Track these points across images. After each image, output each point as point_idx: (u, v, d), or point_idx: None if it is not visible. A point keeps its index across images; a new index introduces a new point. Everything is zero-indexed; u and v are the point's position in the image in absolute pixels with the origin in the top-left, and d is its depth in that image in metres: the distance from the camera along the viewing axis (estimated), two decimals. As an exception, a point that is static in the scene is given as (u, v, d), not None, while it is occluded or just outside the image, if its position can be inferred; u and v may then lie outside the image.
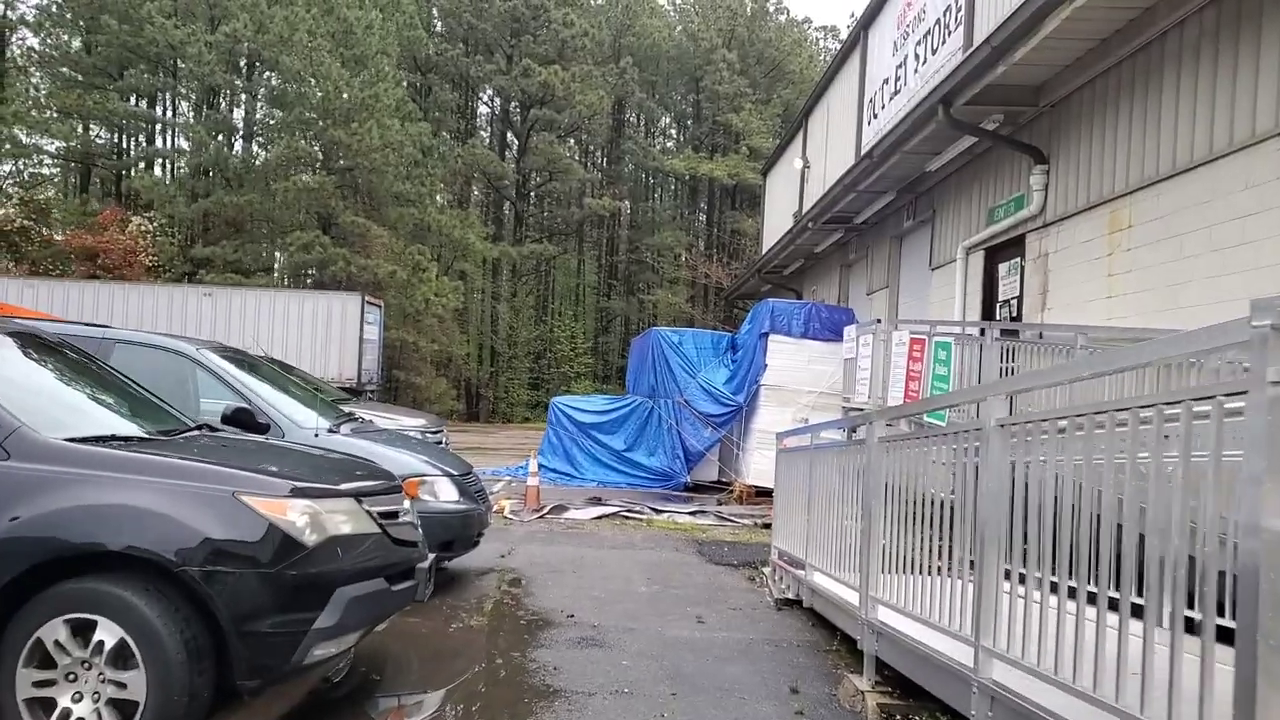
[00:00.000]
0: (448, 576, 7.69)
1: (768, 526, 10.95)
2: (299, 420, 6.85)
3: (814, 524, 6.55)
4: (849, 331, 13.25)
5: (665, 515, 11.45)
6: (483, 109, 48.90)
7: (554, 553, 8.97)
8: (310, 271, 34.53)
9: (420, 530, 5.01)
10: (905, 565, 4.67)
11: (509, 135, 45.69)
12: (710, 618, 6.65)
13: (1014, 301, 12.02)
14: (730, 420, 14.86)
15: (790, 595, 7.05)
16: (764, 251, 28.28)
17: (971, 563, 3.85)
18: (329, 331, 28.79)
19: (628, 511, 11.40)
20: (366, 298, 29.72)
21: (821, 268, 23.45)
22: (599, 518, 11.12)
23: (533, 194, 45.75)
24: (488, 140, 46.45)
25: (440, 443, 11.07)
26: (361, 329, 28.97)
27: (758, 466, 14.28)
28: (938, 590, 4.13)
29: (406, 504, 4.86)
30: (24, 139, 33.92)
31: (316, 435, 6.68)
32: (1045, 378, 3.14)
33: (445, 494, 6.97)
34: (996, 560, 3.63)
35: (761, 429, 14.34)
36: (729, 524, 11.26)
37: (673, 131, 53.15)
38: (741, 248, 44.46)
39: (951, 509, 4.17)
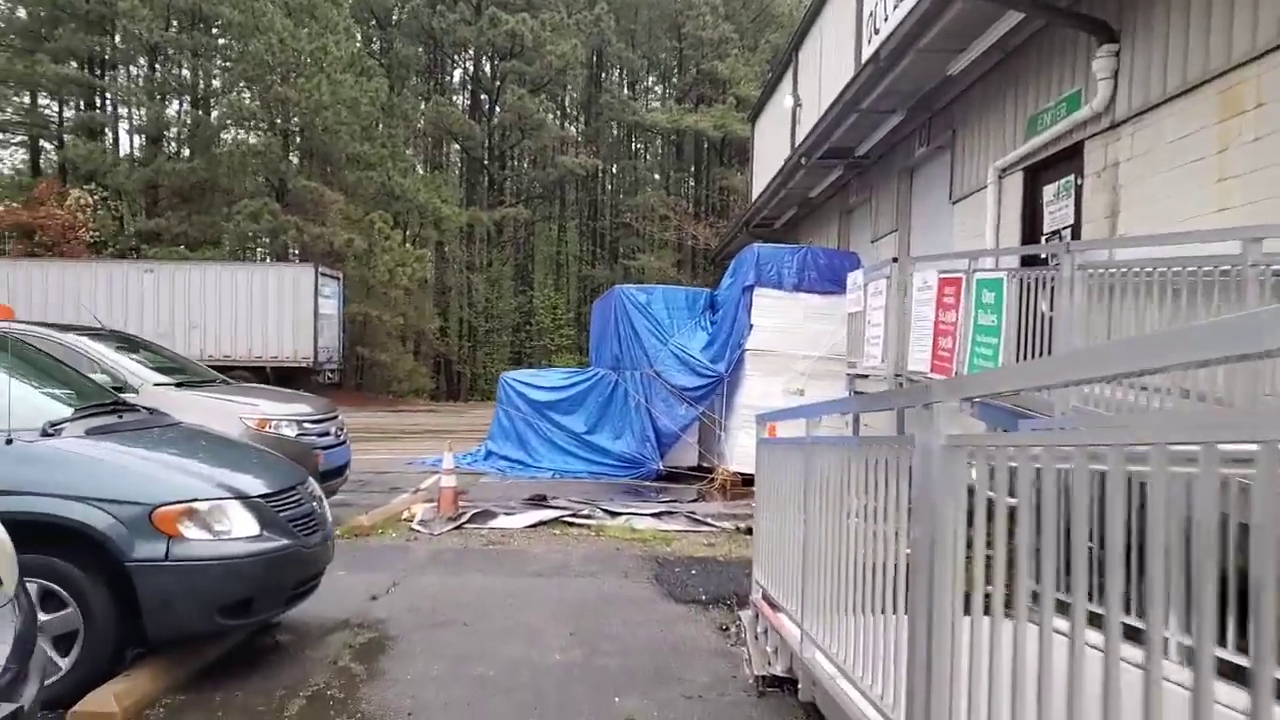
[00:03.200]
0: (269, 642, 5.17)
1: (750, 532, 8.44)
2: (-9, 419, 4.29)
3: (814, 566, 4.01)
4: (854, 279, 10.67)
5: (623, 518, 8.92)
6: (457, 71, 45.90)
7: (453, 587, 6.44)
8: (263, 241, 31.82)
9: (30, 643, 2.48)
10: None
11: (481, 95, 42.74)
12: None
13: (1067, 232, 9.43)
14: (709, 394, 12.31)
15: (778, 670, 4.52)
16: (749, 206, 25.68)
17: None
18: (280, 307, 26.23)
19: (574, 515, 8.87)
20: (321, 269, 27.11)
21: (818, 216, 20.83)
22: (534, 525, 8.59)
23: (506, 154, 42.83)
24: (463, 102, 43.49)
25: (326, 433, 8.54)
26: (316, 303, 26.40)
27: (743, 449, 11.74)
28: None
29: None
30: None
31: (10, 442, 4.13)
32: None
33: (237, 526, 4.42)
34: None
35: (747, 404, 11.79)
36: (703, 529, 8.74)
37: (657, 89, 50.14)
38: (731, 206, 41.68)
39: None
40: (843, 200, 18.74)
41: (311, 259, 28.00)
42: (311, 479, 5.50)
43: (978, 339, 7.26)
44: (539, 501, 9.57)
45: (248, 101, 28.83)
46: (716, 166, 44.79)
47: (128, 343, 8.58)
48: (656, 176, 47.55)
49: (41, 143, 34.21)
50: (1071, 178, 9.49)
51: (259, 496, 4.60)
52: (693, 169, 47.51)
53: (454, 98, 44.22)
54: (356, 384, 33.91)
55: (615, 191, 47.80)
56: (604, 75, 46.68)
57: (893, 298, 9.11)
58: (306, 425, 8.22)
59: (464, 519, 8.52)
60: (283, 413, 8.10)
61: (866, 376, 10.35)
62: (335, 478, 8.74)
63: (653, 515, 9.03)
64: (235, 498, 4.48)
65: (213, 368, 25.26)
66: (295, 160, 30.49)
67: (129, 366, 7.71)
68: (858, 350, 10.69)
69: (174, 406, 7.40)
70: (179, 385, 7.95)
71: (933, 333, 8.18)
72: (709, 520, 8.92)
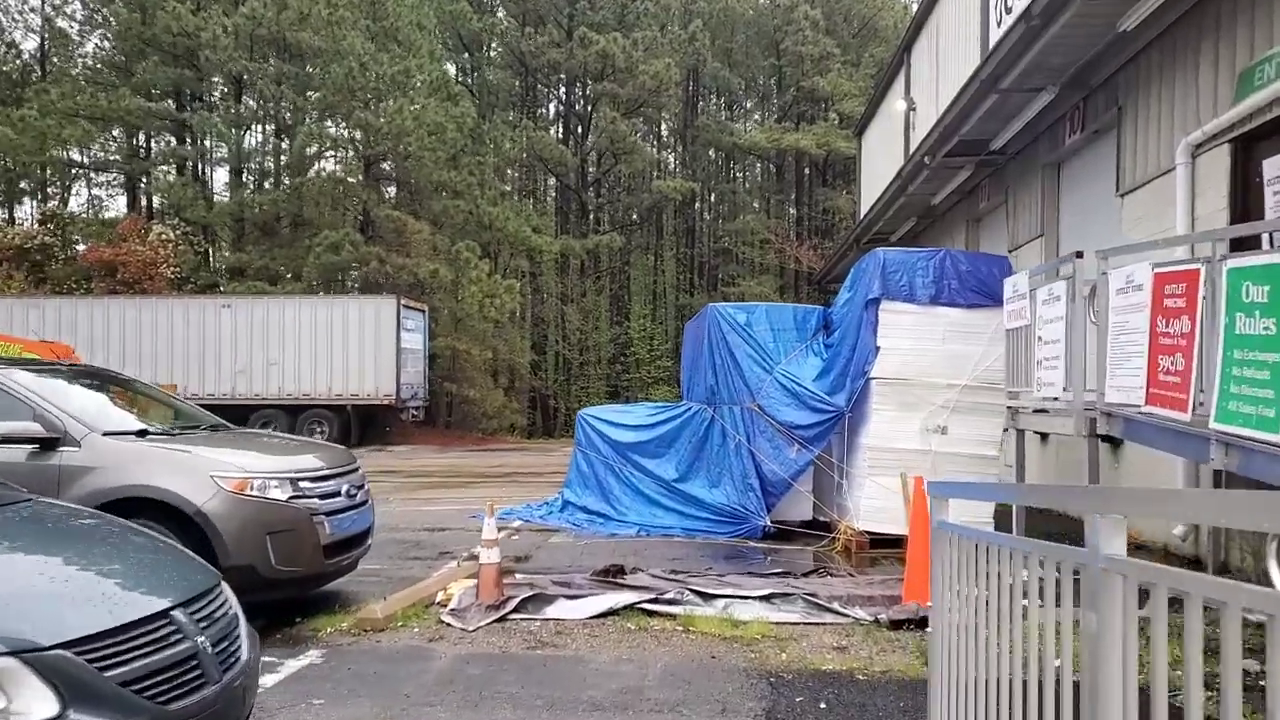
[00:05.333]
0: None
1: (901, 626, 6.18)
2: None
3: None
4: (1014, 285, 8.30)
5: (720, 603, 6.73)
6: (544, 92, 44.84)
7: (465, 733, 4.40)
8: (349, 273, 30.87)
9: None
10: None
11: (573, 120, 41.50)
12: None
13: (1310, 217, 6.92)
14: (826, 433, 10.04)
15: None
16: (858, 222, 23.36)
17: None
18: (361, 342, 25.05)
19: (655, 598, 6.72)
20: (405, 301, 25.89)
21: (941, 227, 18.38)
22: (602, 615, 6.49)
23: (601, 181, 41.29)
24: (557, 131, 42.29)
25: (336, 494, 6.65)
26: (398, 337, 25.14)
27: (871, 502, 9.44)
28: None
29: None
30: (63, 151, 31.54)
31: None
32: None
33: (18, 704, 2.48)
34: None
35: (875, 445, 9.48)
36: (829, 619, 6.48)
37: (756, 115, 48.04)
38: (835, 227, 39.20)
39: None
40: (970, 207, 16.34)
41: (395, 291, 26.82)
42: (224, 588, 3.55)
43: (1236, 356, 4.86)
44: (614, 576, 7.47)
45: (331, 129, 28.06)
46: (819, 187, 42.36)
47: (97, 380, 6.91)
48: (756, 205, 45.32)
49: (134, 180, 34.35)
50: (1316, 143, 7.05)
51: (67, 645, 2.63)
52: (794, 192, 45.14)
53: (546, 126, 43.20)
54: (446, 422, 32.58)
55: (714, 218, 45.83)
56: (699, 97, 44.93)
57: (1076, 306, 6.75)
58: (304, 484, 6.34)
59: (509, 608, 6.47)
60: (272, 468, 6.24)
61: (1040, 411, 7.96)
62: (351, 550, 6.85)
63: (760, 599, 6.81)
64: (13, 653, 2.53)
65: (291, 407, 24.40)
66: (381, 189, 29.55)
67: (76, 411, 5.99)
68: (1020, 377, 8.30)
69: (123, 461, 5.68)
70: (141, 434, 6.18)
71: (1148, 350, 5.81)
72: (835, 605, 6.66)
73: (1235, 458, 4.89)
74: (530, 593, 6.73)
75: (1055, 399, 7.17)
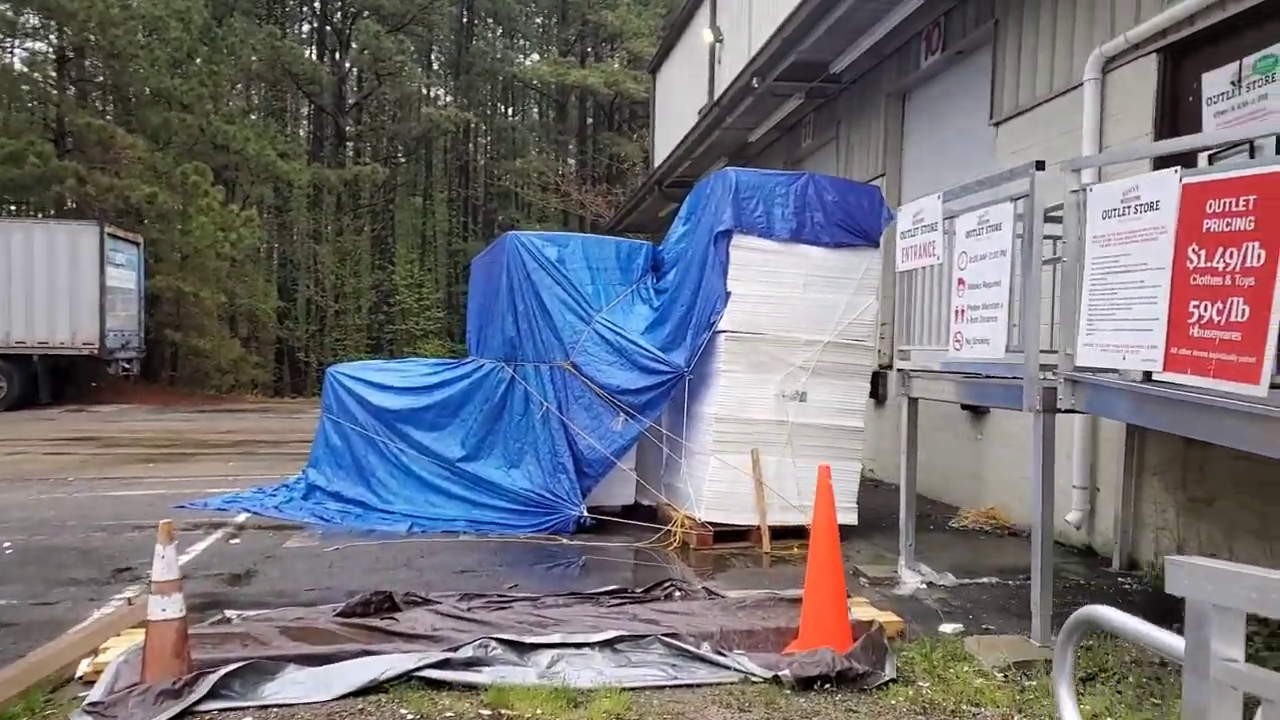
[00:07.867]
0: None
1: (811, 685, 4.20)
2: None
3: None
4: (913, 215, 6.47)
5: (546, 656, 4.46)
6: (295, 6, 39.53)
7: None
8: (42, 193, 25.31)
9: None
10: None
11: (329, 37, 36.75)
12: None
13: (1269, 141, 5.46)
14: (661, 399, 7.94)
15: None
16: (656, 166, 21.58)
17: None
18: (53, 277, 20.38)
19: (448, 659, 4.34)
20: (112, 231, 21.30)
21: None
22: (358, 694, 4.04)
23: (360, 105, 36.89)
24: (312, 52, 37.25)
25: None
26: (103, 273, 20.67)
27: (716, 486, 7.48)
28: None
29: None
30: None
31: None
32: None
33: None
34: None
35: (723, 415, 7.50)
36: (703, 673, 4.38)
37: (536, 55, 45.05)
38: (623, 175, 37.32)
39: None
40: (791, 145, 14.87)
41: (101, 217, 22.09)
42: None
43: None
44: (378, 612, 5.01)
45: (9, 13, 22.52)
46: (605, 131, 40.24)
47: None
48: (535, 152, 42.56)
49: None
50: (1277, 50, 5.72)
51: None
52: (577, 136, 42.78)
53: (299, 43, 38.08)
54: (170, 377, 27.92)
55: (491, 157, 42.64)
56: (475, 25, 41.35)
57: (1036, 234, 5.01)
58: None
59: (200, 691, 3.86)
60: None
61: (937, 372, 6.24)
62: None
63: (600, 646, 4.60)
64: None
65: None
66: (85, 93, 24.29)
67: None
68: (911, 329, 6.60)
69: None
70: None
71: (1168, 293, 4.09)
72: (707, 650, 4.58)
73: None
74: (240, 659, 4.12)
75: (987, 356, 5.43)
